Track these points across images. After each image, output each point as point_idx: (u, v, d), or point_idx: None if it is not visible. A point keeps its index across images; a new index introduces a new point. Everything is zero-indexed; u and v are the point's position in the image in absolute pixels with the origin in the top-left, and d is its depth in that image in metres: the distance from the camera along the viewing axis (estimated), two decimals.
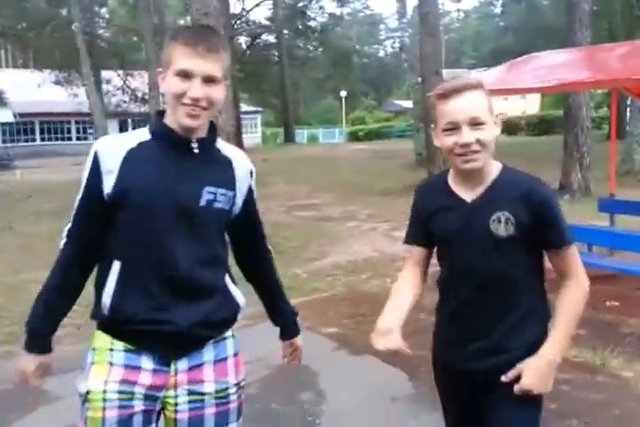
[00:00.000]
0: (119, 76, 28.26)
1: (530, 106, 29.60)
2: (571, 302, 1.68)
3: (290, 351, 1.90)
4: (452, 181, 1.74)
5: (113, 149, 1.54)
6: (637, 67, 4.34)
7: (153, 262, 1.52)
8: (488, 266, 1.66)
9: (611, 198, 6.16)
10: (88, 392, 1.53)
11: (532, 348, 1.65)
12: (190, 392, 1.57)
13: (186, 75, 1.48)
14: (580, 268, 1.72)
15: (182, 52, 1.49)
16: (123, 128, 33.70)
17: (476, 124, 1.59)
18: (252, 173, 1.71)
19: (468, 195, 1.69)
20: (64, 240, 1.60)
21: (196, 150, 1.56)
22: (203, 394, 1.58)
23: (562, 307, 1.67)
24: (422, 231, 1.81)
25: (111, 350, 1.56)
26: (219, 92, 1.53)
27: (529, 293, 1.70)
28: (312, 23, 32.94)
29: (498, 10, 42.16)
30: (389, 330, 1.66)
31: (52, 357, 1.64)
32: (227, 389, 1.62)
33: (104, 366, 1.54)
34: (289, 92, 35.27)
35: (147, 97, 23.79)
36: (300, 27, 32.22)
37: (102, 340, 1.58)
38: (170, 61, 1.51)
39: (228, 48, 1.61)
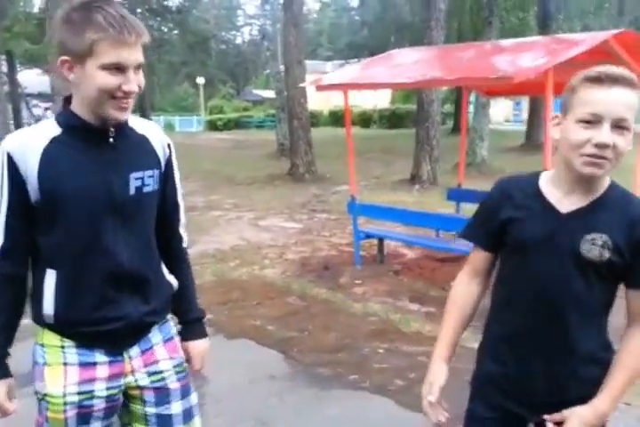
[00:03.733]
0: None
1: (380, 100, 31.11)
2: (638, 352, 1.44)
3: (189, 356, 1.73)
4: (546, 185, 1.48)
5: (26, 149, 1.42)
6: (491, 67, 4.86)
7: (93, 263, 1.47)
8: (563, 288, 1.43)
9: (458, 188, 6.78)
10: (46, 395, 1.51)
11: (591, 391, 1.44)
12: (149, 373, 1.60)
13: (117, 68, 1.38)
14: None
15: (110, 44, 1.35)
16: None
17: (620, 126, 1.33)
18: (169, 145, 1.64)
19: (563, 205, 1.44)
20: None
21: (112, 140, 1.48)
22: (161, 372, 1.62)
23: (626, 356, 1.44)
24: (491, 233, 1.55)
25: (62, 347, 1.53)
26: (141, 78, 1.46)
27: (598, 327, 1.49)
28: (168, 3, 31.77)
29: (355, 3, 43.45)
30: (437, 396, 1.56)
31: (12, 378, 1.54)
32: (182, 363, 1.68)
33: (58, 368, 1.51)
34: (144, 77, 33.81)
35: None
36: (156, 6, 30.96)
37: (51, 337, 1.53)
38: (90, 51, 1.36)
39: None
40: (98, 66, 1.37)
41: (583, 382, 1.47)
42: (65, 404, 1.49)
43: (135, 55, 1.40)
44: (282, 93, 16.17)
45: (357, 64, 6.89)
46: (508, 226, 1.49)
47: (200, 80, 38.22)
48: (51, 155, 1.42)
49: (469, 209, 6.94)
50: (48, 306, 1.48)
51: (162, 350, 1.64)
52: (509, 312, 1.53)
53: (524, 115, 26.12)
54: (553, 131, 1.45)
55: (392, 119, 29.85)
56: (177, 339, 1.71)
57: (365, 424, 3.03)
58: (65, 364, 1.51)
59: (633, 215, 1.41)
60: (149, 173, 1.54)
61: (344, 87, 5.69)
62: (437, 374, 1.59)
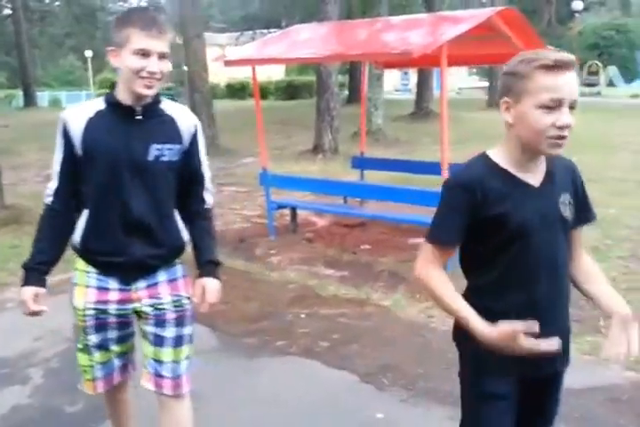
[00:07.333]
0: None
1: (274, 72, 30.90)
2: (601, 272, 1.70)
3: (199, 292, 2.06)
4: (508, 166, 1.56)
5: (76, 117, 1.91)
6: (393, 42, 5.13)
7: (113, 209, 1.93)
8: (561, 251, 1.58)
9: (361, 156, 7.08)
10: (74, 307, 2.04)
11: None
12: (152, 304, 2.04)
13: (144, 53, 1.83)
14: None
15: (140, 35, 1.82)
16: None
17: (572, 107, 1.45)
18: (196, 126, 2.04)
19: (532, 179, 1.55)
20: (50, 198, 1.99)
21: (139, 117, 1.91)
22: (161, 304, 2.04)
23: (602, 277, 1.69)
24: (466, 230, 1.56)
25: (87, 272, 2.03)
26: (168, 66, 1.91)
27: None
28: None
29: None
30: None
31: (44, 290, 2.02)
32: (180, 300, 2.08)
33: (83, 289, 2.03)
34: (26, 50, 31.57)
35: None
36: None
37: (81, 264, 2.04)
38: (126, 42, 1.84)
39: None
40: (131, 51, 1.84)
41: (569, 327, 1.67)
42: (84, 316, 2.02)
43: (159, 46, 1.85)
44: (180, 67, 15.78)
45: (261, 40, 6.94)
46: (501, 218, 1.51)
47: (88, 53, 36.23)
48: (92, 122, 1.91)
49: (373, 175, 7.29)
50: (77, 236, 1.99)
51: (165, 287, 2.06)
52: (512, 290, 1.55)
53: (412, 84, 26.87)
54: (504, 115, 1.50)
55: (288, 90, 29.82)
56: (182, 280, 2.11)
57: (296, 386, 3.21)
58: (87, 286, 2.02)
59: (570, 170, 1.64)
60: (169, 146, 1.95)
61: (253, 63, 5.75)
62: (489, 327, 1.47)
